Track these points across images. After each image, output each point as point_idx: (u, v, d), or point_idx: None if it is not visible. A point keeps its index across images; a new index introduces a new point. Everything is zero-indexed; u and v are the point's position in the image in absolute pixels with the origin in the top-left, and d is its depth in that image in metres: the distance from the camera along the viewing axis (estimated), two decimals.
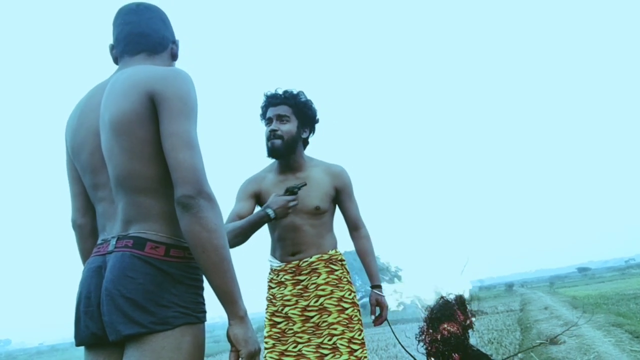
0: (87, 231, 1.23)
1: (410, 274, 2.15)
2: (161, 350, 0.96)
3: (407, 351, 1.83)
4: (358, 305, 2.00)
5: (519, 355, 4.67)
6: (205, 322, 1.09)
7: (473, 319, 1.88)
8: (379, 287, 2.06)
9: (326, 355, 1.86)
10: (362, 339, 1.93)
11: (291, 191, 1.84)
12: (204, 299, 1.08)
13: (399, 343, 1.80)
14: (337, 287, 1.96)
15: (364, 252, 2.11)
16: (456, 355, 1.75)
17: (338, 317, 1.90)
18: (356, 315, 1.95)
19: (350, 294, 1.98)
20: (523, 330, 7.43)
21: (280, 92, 2.03)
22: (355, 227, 2.12)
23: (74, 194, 1.23)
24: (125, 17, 1.25)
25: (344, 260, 2.06)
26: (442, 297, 1.90)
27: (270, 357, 1.90)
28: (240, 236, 1.84)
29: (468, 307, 1.89)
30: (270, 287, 2.04)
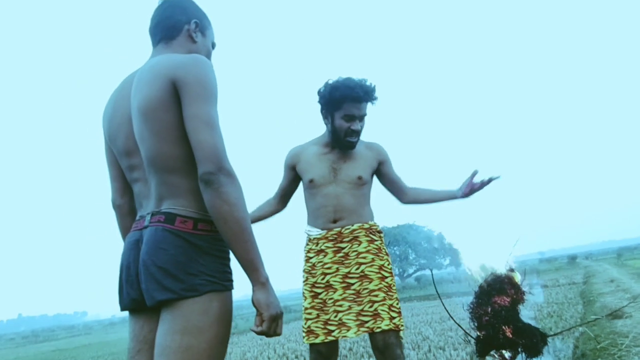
0: (126, 210, 1.34)
1: (465, 248, 2.14)
2: (190, 314, 1.05)
3: (457, 323, 1.85)
4: (394, 276, 2.08)
5: (580, 329, 4.53)
6: (233, 290, 1.16)
7: (525, 294, 1.86)
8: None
9: (367, 322, 1.93)
10: (400, 308, 1.99)
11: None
12: (230, 269, 1.16)
13: (450, 316, 1.82)
14: (377, 256, 2.03)
15: (426, 189, 2.23)
16: (506, 327, 1.75)
17: (379, 284, 1.97)
18: (394, 285, 2.03)
19: (388, 264, 2.05)
20: (585, 303, 7.15)
21: (368, 88, 2.04)
22: (407, 188, 2.24)
23: (112, 176, 1.35)
24: (152, 14, 1.34)
25: (382, 232, 2.15)
26: (492, 273, 1.90)
27: (316, 327, 1.98)
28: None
29: (519, 282, 1.87)
30: (308, 258, 2.11)
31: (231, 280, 1.15)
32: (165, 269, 1.07)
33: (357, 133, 2.06)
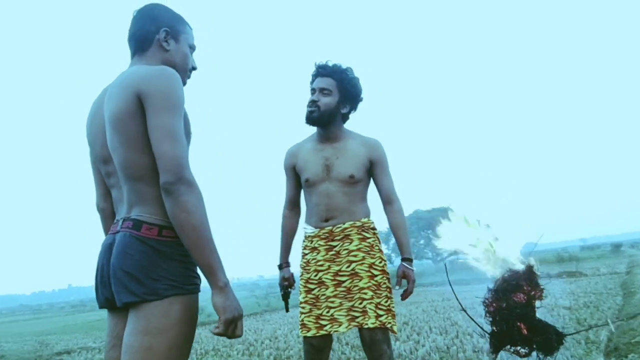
0: (108, 213, 1.41)
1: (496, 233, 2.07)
2: (151, 317, 1.11)
3: (469, 316, 1.83)
4: (388, 273, 2.06)
5: (617, 322, 4.37)
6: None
7: (543, 291, 1.81)
8: (409, 260, 2.08)
9: (357, 317, 1.95)
10: (389, 305, 1.98)
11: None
12: (196, 274, 1.20)
13: (463, 310, 1.79)
14: (369, 254, 2.03)
15: (396, 225, 2.12)
16: (521, 324, 1.71)
17: (368, 282, 1.98)
18: (385, 283, 2.02)
19: (380, 262, 2.04)
20: (626, 295, 6.86)
21: (329, 64, 2.11)
22: (388, 200, 2.13)
23: (96, 182, 1.42)
24: (129, 25, 1.36)
25: (375, 229, 2.12)
26: (510, 269, 1.85)
27: (308, 321, 2.03)
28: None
29: (537, 277, 1.81)
30: (304, 254, 2.15)
31: (195, 284, 1.20)
32: (130, 274, 1.13)
33: (313, 103, 2.08)
